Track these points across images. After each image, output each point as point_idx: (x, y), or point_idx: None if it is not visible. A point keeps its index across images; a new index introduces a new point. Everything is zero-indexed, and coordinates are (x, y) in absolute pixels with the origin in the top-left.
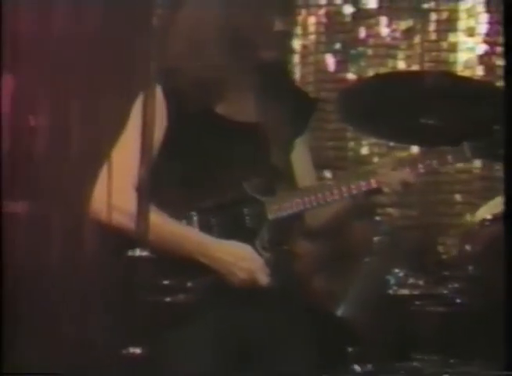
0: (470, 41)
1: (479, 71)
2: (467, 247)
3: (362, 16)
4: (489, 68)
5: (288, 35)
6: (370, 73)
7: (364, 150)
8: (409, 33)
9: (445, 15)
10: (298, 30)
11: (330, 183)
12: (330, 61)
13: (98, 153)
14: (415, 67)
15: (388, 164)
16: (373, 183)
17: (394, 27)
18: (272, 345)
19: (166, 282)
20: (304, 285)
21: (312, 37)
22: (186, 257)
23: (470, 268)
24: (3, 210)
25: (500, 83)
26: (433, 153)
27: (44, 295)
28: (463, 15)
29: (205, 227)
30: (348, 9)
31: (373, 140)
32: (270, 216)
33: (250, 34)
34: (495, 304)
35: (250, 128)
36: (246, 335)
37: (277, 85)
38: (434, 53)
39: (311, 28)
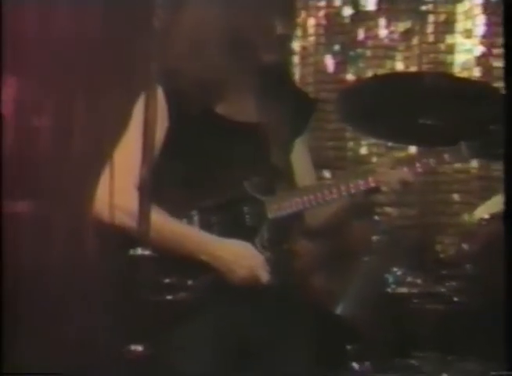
0: (467, 43)
1: (476, 72)
2: (465, 246)
3: (361, 17)
4: (486, 69)
5: (289, 38)
6: (369, 74)
7: (363, 150)
8: (407, 34)
9: (442, 17)
10: (298, 31)
11: (329, 183)
12: (330, 62)
13: (100, 154)
14: (413, 68)
15: (387, 163)
16: (372, 182)
17: (392, 28)
18: (271, 343)
19: (167, 280)
20: (303, 284)
21: (312, 38)
22: (187, 255)
23: (468, 267)
24: (4, 210)
25: (497, 84)
26: (430, 153)
27: (44, 295)
28: (460, 17)
29: (206, 226)
30: (347, 11)
31: (372, 140)
32: (270, 215)
33: (251, 35)
34: (493, 302)
35: (251, 128)
36: (246, 333)
37: (277, 86)
38: (431, 55)
39: (311, 30)
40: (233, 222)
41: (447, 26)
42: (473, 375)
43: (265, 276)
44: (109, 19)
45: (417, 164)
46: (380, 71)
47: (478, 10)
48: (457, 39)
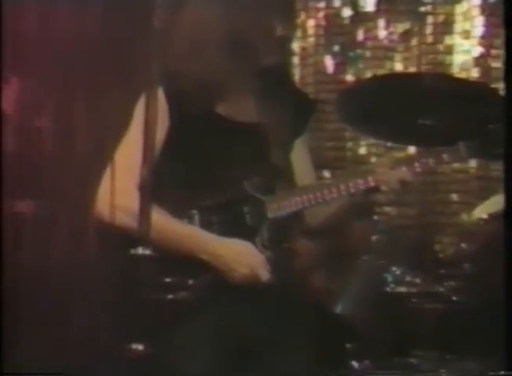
0: (465, 44)
1: (475, 73)
2: (464, 246)
3: (361, 18)
4: (485, 70)
5: (288, 39)
6: (368, 74)
7: (362, 150)
8: (406, 35)
9: (441, 18)
10: (298, 32)
11: (329, 182)
12: (329, 63)
13: (101, 154)
14: (412, 69)
15: (386, 163)
16: (371, 182)
17: (391, 29)
18: (271, 341)
19: (168, 280)
20: (303, 283)
21: (312, 39)
22: (188, 255)
23: (467, 266)
24: (5, 210)
25: (496, 84)
26: (429, 153)
27: (44, 295)
28: (459, 18)
29: (206, 225)
30: (347, 12)
31: (372, 140)
32: (270, 215)
33: (251, 36)
34: (491, 302)
35: (251, 128)
36: (246, 332)
37: (277, 87)
38: (430, 55)
39: (311, 31)
40: (234, 221)
41: (446, 27)
42: (471, 374)
43: (265, 275)
44: (110, 20)
45: (416, 164)
46: (380, 72)
47: (477, 11)
48: (456, 40)
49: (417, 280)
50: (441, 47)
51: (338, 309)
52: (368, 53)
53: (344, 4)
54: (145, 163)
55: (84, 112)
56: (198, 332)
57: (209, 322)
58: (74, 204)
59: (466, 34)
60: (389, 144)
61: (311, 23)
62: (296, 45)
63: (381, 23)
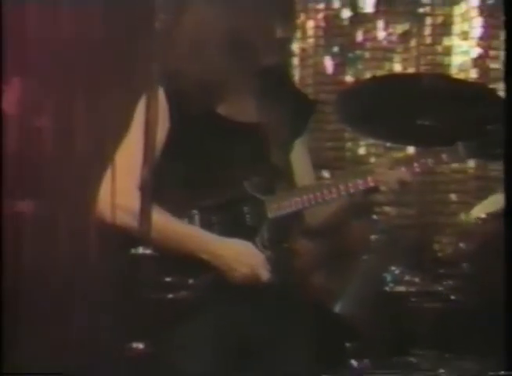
0: (464, 45)
1: (473, 74)
2: (462, 246)
3: (360, 20)
4: (483, 71)
5: (288, 40)
6: (367, 75)
7: (362, 151)
8: (405, 36)
9: (440, 19)
10: (298, 33)
11: (329, 182)
12: (329, 64)
13: (101, 154)
14: (411, 70)
15: (385, 163)
16: (371, 182)
17: (390, 30)
18: (271, 341)
19: (168, 279)
20: (303, 282)
21: (311, 40)
22: (188, 254)
23: (465, 265)
24: (6, 210)
25: (494, 85)
26: (428, 153)
27: (44, 295)
28: (457, 19)
29: (206, 225)
30: (346, 13)
31: (371, 141)
32: (270, 215)
33: (251, 37)
34: (490, 301)
35: (251, 128)
36: (246, 331)
37: (277, 87)
38: (429, 56)
39: (310, 32)
40: (234, 221)
41: (444, 28)
42: (470, 373)
43: (265, 274)
44: (110, 20)
45: (415, 164)
46: (379, 73)
47: (475, 12)
48: (454, 41)
49: (416, 280)
50: (439, 48)
51: (338, 308)
52: (367, 54)
53: (343, 5)
54: (145, 163)
55: (84, 112)
56: (198, 332)
57: (209, 321)
58: (75, 204)
59: (465, 35)
60: (388, 144)
61: (310, 24)
62: (296, 46)
63: (380, 24)
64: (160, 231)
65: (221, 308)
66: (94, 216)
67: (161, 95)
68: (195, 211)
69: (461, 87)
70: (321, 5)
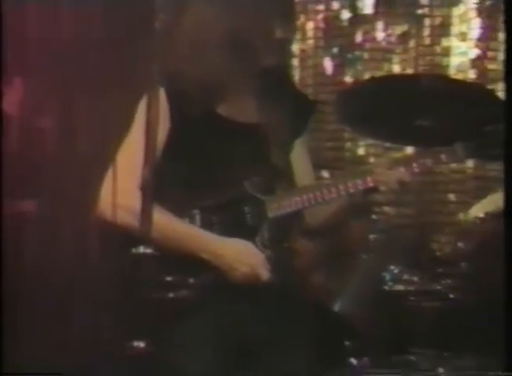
0: (462, 46)
1: (472, 75)
2: (461, 245)
3: (359, 21)
4: (482, 72)
5: (288, 41)
6: (367, 76)
7: (361, 151)
8: (404, 37)
9: (438, 20)
10: (297, 34)
11: (328, 182)
12: (328, 65)
13: (102, 154)
14: (410, 71)
15: (384, 163)
16: (370, 182)
17: (389, 31)
18: (271, 340)
19: (169, 278)
20: (303, 282)
21: (311, 41)
22: (189, 254)
23: (464, 265)
24: (6, 210)
25: (492, 86)
26: (427, 153)
27: (45, 295)
28: (456, 20)
29: (207, 225)
30: (345, 15)
31: (370, 141)
32: (270, 214)
33: (251, 38)
34: (488, 299)
35: (251, 128)
36: (246, 331)
37: (277, 88)
38: (428, 57)
39: (310, 33)
40: (234, 221)
41: (443, 29)
42: (469, 372)
43: (265, 274)
44: (111, 20)
45: (414, 165)
46: (378, 73)
47: (473, 14)
48: (453, 42)
49: (415, 279)
50: (438, 49)
51: (337, 307)
52: (366, 55)
53: (342, 6)
54: (146, 163)
55: (85, 112)
56: (199, 331)
57: (209, 321)
58: (75, 203)
59: (463, 36)
60: (387, 145)
61: (310, 25)
62: (295, 47)
63: (379, 25)
64: (160, 231)
65: (222, 307)
66: (95, 216)
67: (162, 95)
68: (196, 211)
69: (460, 88)
70: (321, 7)
